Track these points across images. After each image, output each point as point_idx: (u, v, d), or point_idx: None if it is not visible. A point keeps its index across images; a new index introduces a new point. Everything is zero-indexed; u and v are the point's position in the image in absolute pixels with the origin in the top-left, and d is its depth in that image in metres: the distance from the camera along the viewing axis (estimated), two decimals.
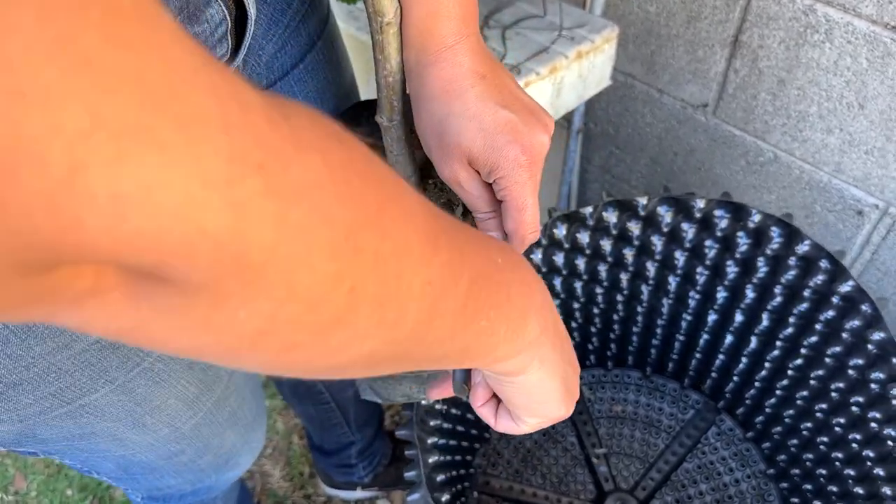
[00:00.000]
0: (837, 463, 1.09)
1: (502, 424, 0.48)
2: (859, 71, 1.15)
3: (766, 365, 1.21)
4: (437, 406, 1.06)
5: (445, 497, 0.91)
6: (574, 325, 1.35)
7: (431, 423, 1.01)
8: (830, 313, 1.03)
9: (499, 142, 0.46)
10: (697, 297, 1.22)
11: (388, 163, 0.55)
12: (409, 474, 0.91)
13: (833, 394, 1.07)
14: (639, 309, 1.29)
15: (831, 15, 1.14)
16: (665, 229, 1.13)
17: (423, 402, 0.71)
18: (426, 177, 0.61)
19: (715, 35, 1.33)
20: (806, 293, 1.05)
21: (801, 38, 1.21)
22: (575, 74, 1.33)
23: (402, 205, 0.26)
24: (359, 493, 1.47)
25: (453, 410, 1.14)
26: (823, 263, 1.01)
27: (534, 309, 0.38)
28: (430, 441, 0.98)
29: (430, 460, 0.95)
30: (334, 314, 0.23)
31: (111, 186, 0.15)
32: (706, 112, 1.43)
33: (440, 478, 0.95)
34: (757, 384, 1.25)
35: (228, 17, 0.50)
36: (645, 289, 1.25)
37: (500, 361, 0.38)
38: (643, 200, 1.08)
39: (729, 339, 1.24)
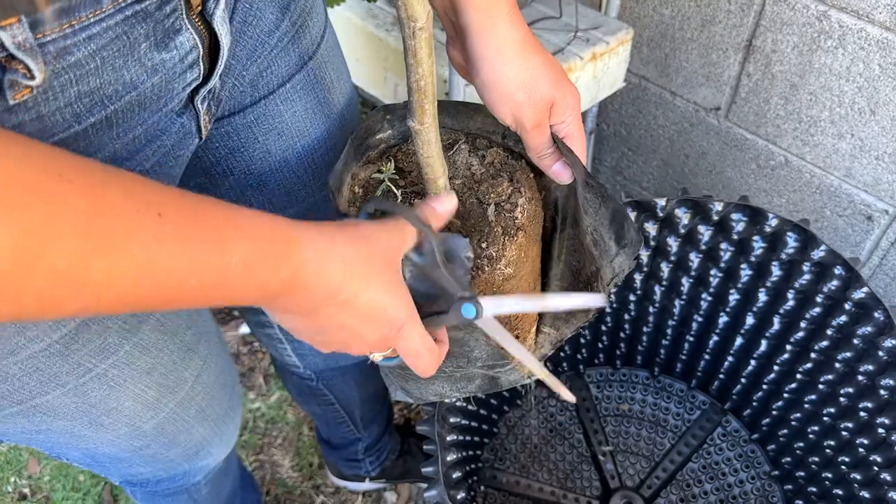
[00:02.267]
0: (843, 467, 1.10)
1: None
2: (871, 77, 1.16)
3: (776, 368, 1.22)
4: (459, 402, 1.08)
5: (461, 495, 0.92)
6: None
7: (451, 420, 1.02)
8: (843, 319, 1.04)
9: (569, 88, 0.59)
10: (710, 299, 1.23)
11: (420, 165, 0.56)
12: (427, 470, 0.92)
13: (842, 398, 1.08)
14: (651, 309, 1.30)
15: (845, 21, 1.15)
16: (682, 231, 1.14)
17: (455, 401, 0.73)
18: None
19: (729, 39, 1.33)
20: (819, 298, 1.07)
21: (814, 43, 1.21)
22: (589, 75, 1.35)
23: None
24: (366, 485, 1.49)
25: (470, 407, 1.16)
26: (838, 270, 1.02)
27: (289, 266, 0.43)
28: (449, 439, 0.99)
29: (449, 458, 0.97)
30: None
31: None
32: (718, 115, 1.44)
33: (456, 475, 0.96)
34: (765, 386, 1.27)
35: (200, 45, 0.50)
36: (658, 289, 1.26)
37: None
38: (661, 202, 1.09)
39: (739, 341, 1.26)
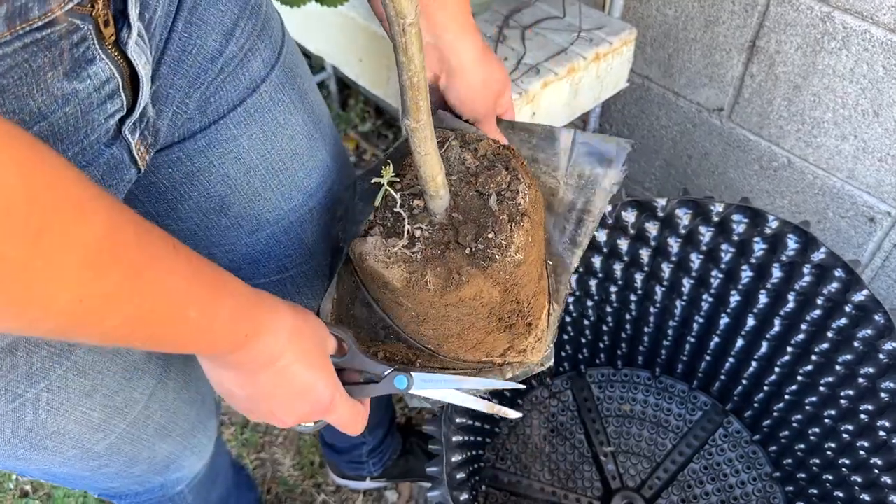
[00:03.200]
0: (844, 469, 1.10)
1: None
2: (875, 78, 1.16)
3: (776, 370, 1.22)
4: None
5: (464, 496, 0.92)
6: (586, 322, 1.36)
7: (458, 421, 1.03)
8: (843, 321, 1.04)
9: (504, 74, 0.72)
10: (711, 300, 1.23)
11: (416, 164, 0.56)
12: (432, 470, 0.92)
13: (842, 401, 1.08)
14: (651, 309, 1.30)
15: (849, 22, 1.14)
16: (682, 231, 1.14)
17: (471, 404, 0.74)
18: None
19: (732, 40, 1.33)
20: (819, 300, 1.06)
21: (818, 44, 1.21)
22: (592, 76, 1.34)
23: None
24: (367, 484, 1.49)
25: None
26: (838, 272, 1.02)
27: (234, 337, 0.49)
28: (454, 439, 1.00)
29: (454, 459, 0.97)
30: None
31: None
32: (721, 116, 1.44)
33: (459, 475, 0.96)
34: (766, 388, 1.26)
35: (119, 75, 0.48)
36: (659, 290, 1.26)
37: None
38: (662, 202, 1.09)
39: (740, 342, 1.26)
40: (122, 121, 0.52)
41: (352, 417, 0.62)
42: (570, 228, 0.73)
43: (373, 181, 0.64)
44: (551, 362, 0.75)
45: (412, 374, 0.65)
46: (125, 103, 0.51)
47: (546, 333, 0.73)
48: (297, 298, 0.88)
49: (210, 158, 0.69)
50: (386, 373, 0.65)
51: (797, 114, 1.31)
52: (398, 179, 0.66)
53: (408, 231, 0.61)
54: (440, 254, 0.60)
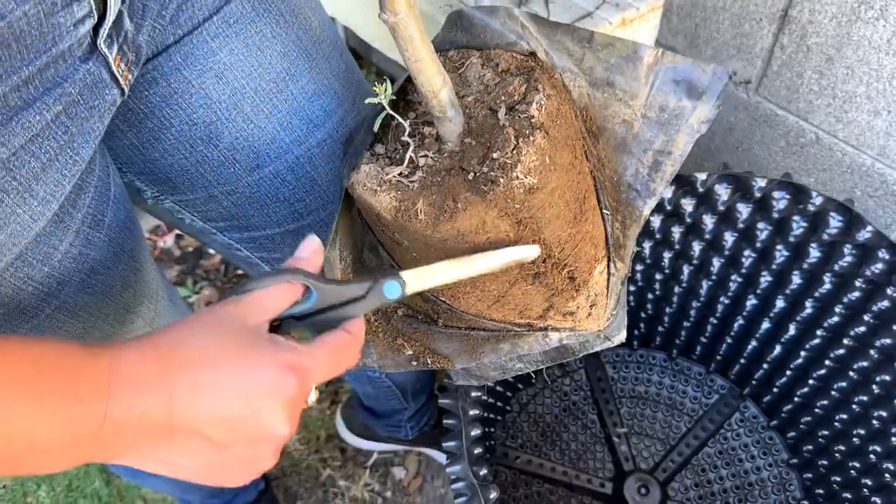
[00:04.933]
0: (873, 456, 1.07)
1: None
2: None
3: (803, 353, 1.18)
4: None
5: (483, 471, 0.88)
6: None
7: (473, 395, 0.97)
8: (885, 304, 1.00)
9: None
10: (740, 280, 1.19)
11: (412, 76, 0.48)
12: (450, 444, 0.87)
13: (875, 386, 1.04)
14: (676, 289, 1.26)
15: None
16: (720, 208, 1.09)
17: (518, 373, 0.64)
18: None
19: (763, 9, 1.28)
20: (858, 282, 1.02)
21: (853, 14, 1.16)
22: None
23: None
24: (378, 445, 1.46)
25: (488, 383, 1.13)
26: (883, 253, 0.97)
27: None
28: (471, 413, 0.94)
29: (472, 433, 0.92)
30: None
31: None
32: (748, 89, 1.39)
33: (477, 450, 0.92)
34: (789, 372, 1.23)
35: None
36: (686, 269, 1.22)
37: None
38: (702, 176, 1.04)
39: (766, 325, 1.22)
40: (96, 32, 0.48)
41: (334, 364, 0.48)
42: (643, 172, 0.60)
43: (374, 101, 0.53)
44: (622, 336, 0.63)
45: (402, 274, 0.50)
46: (94, 8, 0.46)
47: (606, 298, 0.62)
48: None
49: (188, 77, 0.61)
50: (368, 287, 0.50)
51: (828, 87, 1.26)
52: (410, 105, 0.57)
53: (410, 158, 0.52)
54: (440, 181, 0.50)
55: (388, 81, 0.52)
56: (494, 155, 0.49)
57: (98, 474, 1.50)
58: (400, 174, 0.52)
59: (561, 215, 0.53)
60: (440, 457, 1.47)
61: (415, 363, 0.64)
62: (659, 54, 0.58)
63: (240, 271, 1.78)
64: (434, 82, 0.47)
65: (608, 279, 0.62)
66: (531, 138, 0.49)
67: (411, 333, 0.65)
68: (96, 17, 0.47)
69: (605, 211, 0.60)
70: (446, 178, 0.50)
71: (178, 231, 1.83)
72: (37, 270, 0.53)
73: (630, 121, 0.60)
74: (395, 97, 0.57)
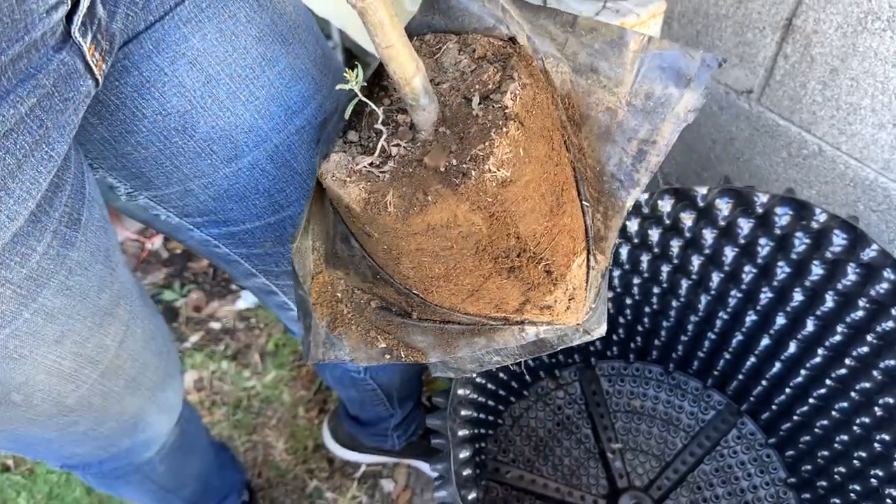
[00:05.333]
0: (874, 480, 1.04)
1: None
2: None
3: (803, 372, 1.15)
4: (469, 394, 1.00)
5: (472, 495, 0.85)
6: None
7: (463, 414, 0.94)
8: (889, 325, 0.97)
9: None
10: (739, 295, 1.16)
11: (384, 62, 0.46)
12: (438, 467, 0.84)
13: (877, 409, 1.02)
14: (674, 303, 1.23)
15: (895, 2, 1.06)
16: (721, 223, 1.06)
17: (497, 365, 0.62)
18: None
19: (767, 17, 1.25)
20: (861, 301, 0.99)
21: (860, 24, 1.13)
22: None
23: None
24: (365, 457, 1.43)
25: (480, 399, 1.09)
26: (888, 273, 0.95)
27: None
28: (460, 434, 0.91)
29: (461, 455, 0.89)
30: None
31: None
32: (750, 99, 1.36)
33: (466, 472, 0.89)
34: (788, 390, 1.20)
35: None
36: (685, 283, 1.19)
37: None
38: (703, 191, 1.01)
39: (765, 341, 1.19)
40: (69, 20, 0.46)
41: None
42: (627, 161, 0.58)
43: (345, 87, 0.51)
44: (601, 330, 0.61)
45: None
46: None
47: (585, 291, 0.59)
48: None
49: (159, 65, 0.59)
50: None
51: (832, 99, 1.23)
52: (386, 91, 0.55)
53: (381, 147, 0.50)
54: (411, 172, 0.48)
55: (360, 67, 0.50)
56: (466, 146, 0.47)
57: (79, 483, 1.46)
58: (371, 164, 0.50)
59: (536, 208, 0.51)
60: (428, 469, 1.43)
61: (388, 356, 0.63)
62: (645, 40, 0.56)
63: (227, 275, 1.75)
64: (406, 69, 0.45)
65: (587, 272, 0.59)
66: (504, 129, 0.47)
67: (385, 326, 0.63)
68: (69, 4, 0.45)
69: (584, 203, 0.58)
70: (417, 170, 0.48)
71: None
72: (14, 273, 0.51)
73: (614, 108, 0.58)
74: (367, 83, 0.55)
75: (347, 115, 0.53)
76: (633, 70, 0.56)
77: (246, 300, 1.71)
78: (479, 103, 0.49)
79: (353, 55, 2.21)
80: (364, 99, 0.51)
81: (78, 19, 0.46)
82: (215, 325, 1.68)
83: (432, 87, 0.49)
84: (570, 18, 0.57)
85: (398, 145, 0.50)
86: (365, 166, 0.50)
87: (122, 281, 0.68)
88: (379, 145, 0.50)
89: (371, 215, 0.49)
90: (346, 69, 0.49)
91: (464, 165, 0.46)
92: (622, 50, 0.56)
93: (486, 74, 0.50)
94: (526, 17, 0.56)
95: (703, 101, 0.56)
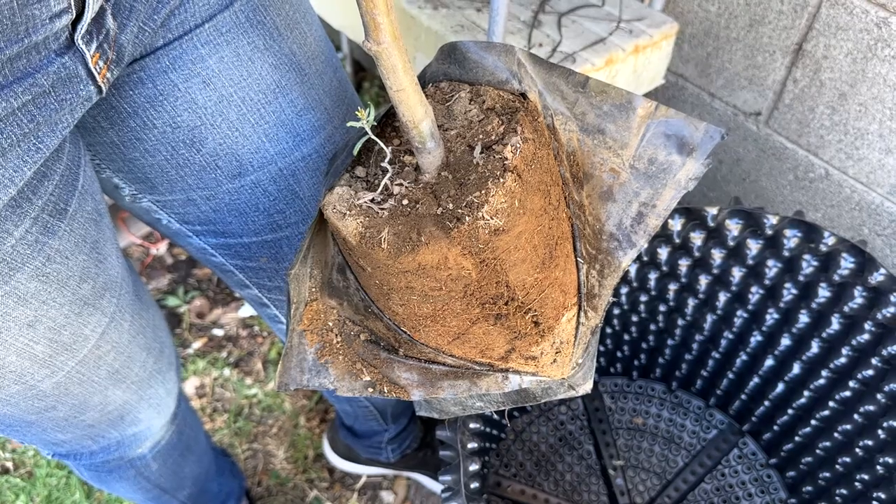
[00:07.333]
0: (876, 503, 1.04)
1: None
2: None
3: (806, 393, 1.15)
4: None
5: None
6: (609, 330, 1.30)
7: (472, 427, 0.94)
8: (895, 348, 0.98)
9: None
10: (745, 316, 1.17)
11: (394, 104, 0.47)
12: (446, 479, 0.85)
13: (881, 432, 1.02)
14: (680, 322, 1.24)
15: None
16: (730, 243, 1.07)
17: (479, 411, 0.64)
18: None
19: (777, 41, 1.26)
20: (867, 325, 1.00)
21: (870, 51, 1.14)
22: (630, 69, 1.27)
23: None
24: (366, 469, 1.43)
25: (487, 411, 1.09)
26: (895, 297, 0.95)
27: None
28: (469, 446, 0.92)
29: (471, 468, 0.90)
30: None
31: None
32: (758, 121, 1.37)
33: (474, 485, 0.89)
34: (791, 411, 1.20)
35: None
36: (691, 302, 1.20)
37: None
38: (713, 211, 1.02)
39: (770, 362, 1.19)
40: (74, 28, 0.47)
41: None
42: (626, 222, 0.60)
43: (356, 125, 0.53)
44: (587, 387, 0.62)
45: None
46: (72, 4, 0.45)
47: (573, 346, 0.61)
48: None
49: (174, 81, 0.61)
50: None
51: (840, 123, 1.24)
52: (397, 132, 0.56)
53: (385, 185, 0.51)
54: (409, 212, 0.49)
55: (372, 107, 0.52)
56: (464, 193, 0.48)
57: (79, 486, 1.46)
58: (372, 200, 0.51)
59: (527, 259, 0.53)
60: (428, 482, 1.43)
61: (371, 390, 0.64)
62: (652, 107, 0.58)
63: None
64: (415, 113, 0.47)
65: (577, 328, 0.61)
66: (501, 180, 0.48)
67: (371, 360, 0.64)
68: (74, 12, 0.46)
69: (579, 259, 0.60)
70: (415, 210, 0.50)
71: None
72: None
73: (618, 170, 0.59)
74: (380, 122, 0.56)
75: (356, 152, 0.55)
76: (638, 134, 0.58)
77: (249, 308, 1.71)
78: (481, 152, 0.50)
79: (362, 67, 2.22)
80: (374, 137, 0.52)
81: (82, 28, 0.47)
82: (218, 332, 1.68)
83: (440, 133, 0.51)
84: (583, 79, 0.58)
85: (401, 185, 0.51)
86: (366, 202, 0.51)
87: (112, 274, 0.69)
88: (382, 183, 0.51)
89: (365, 249, 0.50)
90: (359, 108, 0.51)
91: (459, 210, 0.48)
92: (629, 114, 0.58)
93: (491, 125, 0.52)
94: (540, 74, 0.58)
95: (704, 170, 0.57)
